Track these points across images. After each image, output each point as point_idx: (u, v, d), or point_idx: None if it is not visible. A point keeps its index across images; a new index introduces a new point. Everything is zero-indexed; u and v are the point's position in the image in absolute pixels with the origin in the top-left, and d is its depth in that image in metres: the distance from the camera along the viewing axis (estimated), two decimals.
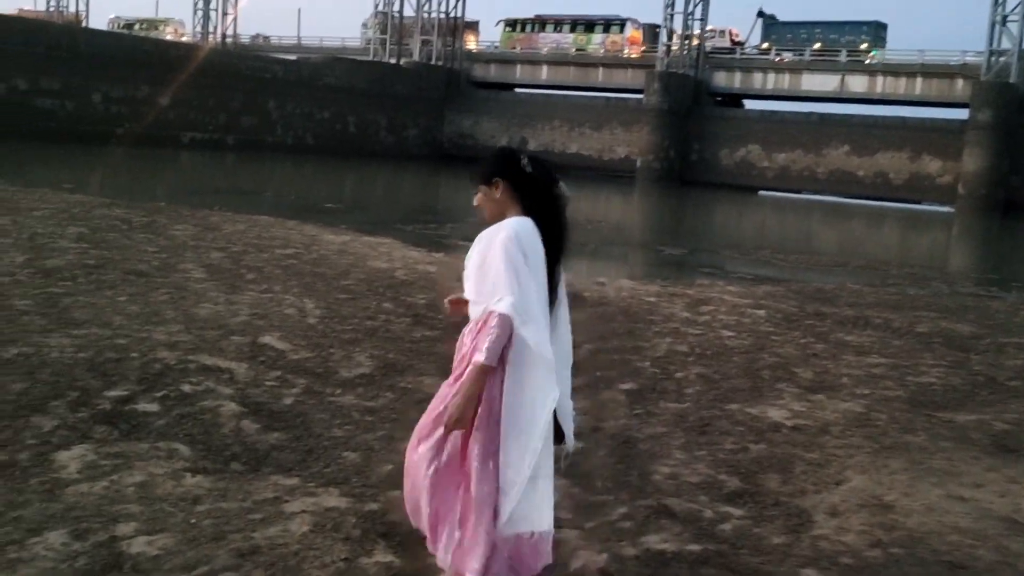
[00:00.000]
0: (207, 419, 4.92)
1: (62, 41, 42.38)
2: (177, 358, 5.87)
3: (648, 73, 56.57)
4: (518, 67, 65.75)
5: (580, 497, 4.34)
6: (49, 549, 3.36)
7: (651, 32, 62.14)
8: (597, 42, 63.87)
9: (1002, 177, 46.73)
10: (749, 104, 61.57)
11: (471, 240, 3.16)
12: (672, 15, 57.53)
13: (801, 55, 56.62)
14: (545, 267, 3.06)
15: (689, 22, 57.94)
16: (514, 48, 66.42)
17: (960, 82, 50.82)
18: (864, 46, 56.05)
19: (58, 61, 40.98)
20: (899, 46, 73.17)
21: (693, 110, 56.03)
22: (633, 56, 61.87)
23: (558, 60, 63.63)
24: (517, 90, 67.19)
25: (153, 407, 5.01)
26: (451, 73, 64.51)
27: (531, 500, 2.99)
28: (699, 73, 57.73)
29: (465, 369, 3.03)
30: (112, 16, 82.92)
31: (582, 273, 12.81)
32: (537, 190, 3.13)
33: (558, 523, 3.98)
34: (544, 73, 64.72)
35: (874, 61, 54.84)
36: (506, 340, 2.92)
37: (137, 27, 77.44)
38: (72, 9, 75.15)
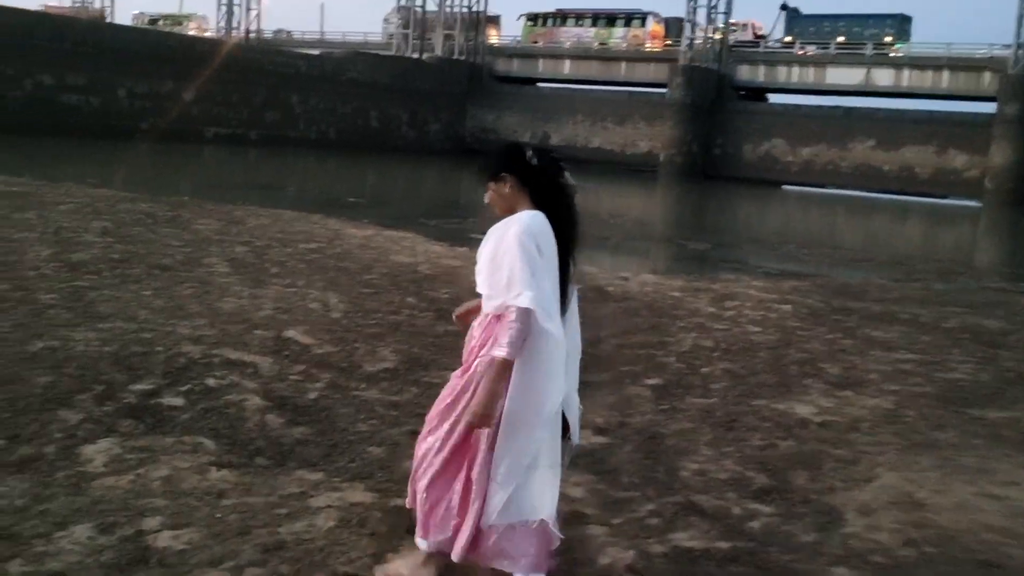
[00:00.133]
0: (232, 413, 4.92)
1: (88, 37, 42.57)
2: (202, 352, 5.88)
3: (671, 67, 56.29)
4: (540, 61, 65.62)
5: (606, 493, 4.31)
6: (75, 543, 3.35)
7: (674, 26, 61.84)
8: (618, 36, 63.67)
9: None
10: (773, 98, 61.18)
11: None
12: (695, 8, 57.24)
13: (825, 48, 56.20)
14: (557, 260, 3.04)
15: (712, 15, 57.64)
16: (536, 42, 66.29)
17: (987, 75, 50.23)
18: (888, 39, 55.53)
19: (84, 57, 41.18)
20: (924, 39, 72.51)
21: (716, 104, 55.70)
22: (656, 50, 61.60)
23: (580, 54, 63.45)
24: (539, 84, 67.04)
25: (178, 401, 5.01)
26: (473, 68, 64.40)
27: (528, 489, 3.01)
28: (722, 67, 57.40)
29: (473, 362, 3.05)
30: (136, 12, 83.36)
31: (605, 267, 12.75)
32: (545, 182, 3.11)
33: (584, 519, 3.97)
34: (567, 67, 64.57)
35: (899, 54, 54.34)
36: (527, 334, 2.90)
37: (161, 23, 77.82)
38: (97, 5, 75.72)
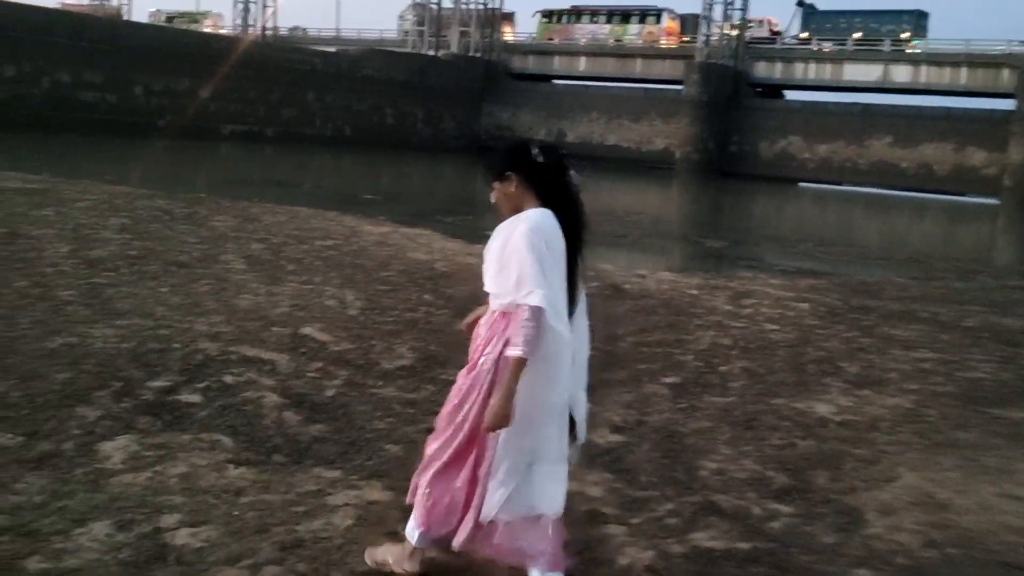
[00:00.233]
0: (249, 410, 4.91)
1: (105, 35, 42.80)
2: (219, 349, 5.88)
3: (687, 64, 56.19)
4: (556, 58, 65.58)
5: (625, 492, 4.28)
6: (94, 540, 3.35)
7: (690, 22, 61.66)
8: (633, 33, 63.55)
9: None
10: (789, 95, 60.93)
11: None
12: (712, 4, 57.04)
13: (842, 45, 55.92)
14: (565, 258, 3.03)
15: (729, 12, 57.42)
16: (551, 39, 66.23)
17: (1006, 72, 49.92)
18: (905, 35, 55.22)
19: (101, 54, 41.41)
20: (940, 35, 72.04)
21: (733, 101, 55.57)
22: (672, 46, 61.44)
23: (596, 51, 63.33)
24: (555, 82, 66.97)
25: (195, 398, 5.01)
26: (489, 65, 64.41)
27: (534, 486, 3.01)
28: (739, 63, 57.23)
29: (478, 359, 3.05)
30: (153, 9, 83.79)
31: (622, 265, 12.71)
32: (550, 179, 3.09)
33: (602, 519, 3.95)
34: (582, 64, 64.50)
35: (916, 51, 54.02)
36: (540, 332, 2.89)
37: (176, 20, 78.11)
38: (114, 3, 76.03)
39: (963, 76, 51.74)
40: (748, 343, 7.72)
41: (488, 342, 3.05)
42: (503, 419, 2.91)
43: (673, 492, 4.32)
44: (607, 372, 6.41)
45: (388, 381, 5.78)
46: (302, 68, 51.99)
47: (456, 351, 6.57)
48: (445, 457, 3.10)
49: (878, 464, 4.86)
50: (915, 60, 53.36)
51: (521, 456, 2.99)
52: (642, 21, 63.49)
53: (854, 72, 54.83)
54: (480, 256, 3.19)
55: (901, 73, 53.58)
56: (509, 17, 70.56)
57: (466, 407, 3.06)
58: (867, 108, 53.82)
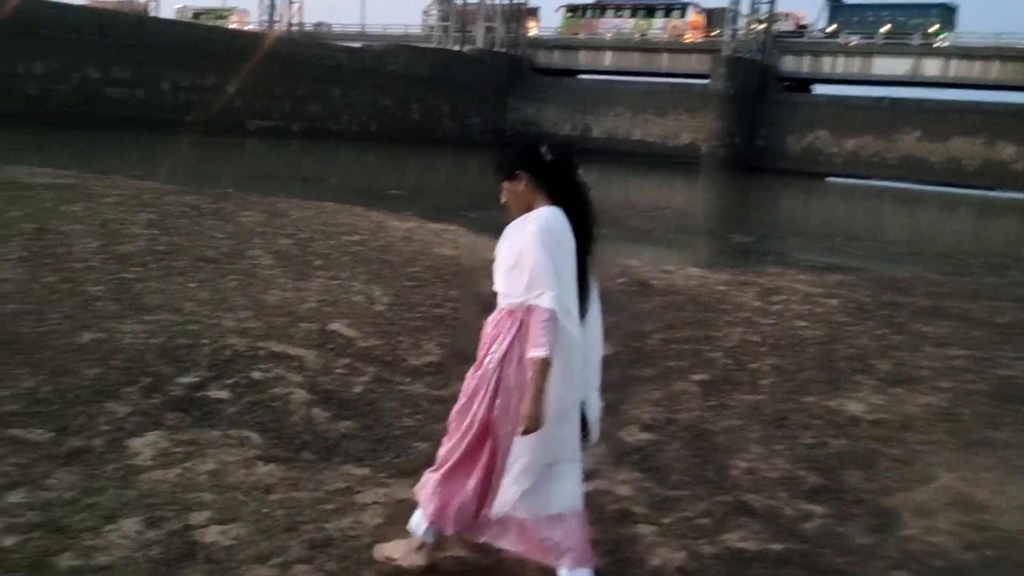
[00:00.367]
0: (278, 407, 4.91)
1: (132, 31, 43.10)
2: (247, 345, 5.88)
3: (714, 58, 55.82)
4: (581, 53, 65.32)
5: (655, 492, 4.24)
6: (124, 537, 3.35)
7: (716, 16, 61.28)
8: (658, 27, 63.30)
9: None
10: (817, 89, 60.43)
11: None
12: None
13: (869, 38, 55.39)
14: (575, 256, 3.03)
15: (756, 5, 57.01)
16: (576, 34, 66.05)
17: None
18: (933, 28, 54.59)
19: (129, 51, 41.70)
20: (968, 29, 71.20)
21: (760, 95, 55.15)
22: (698, 41, 61.10)
23: (621, 46, 63.07)
24: (580, 76, 66.77)
25: (224, 394, 5.01)
26: (514, 60, 64.30)
27: (551, 484, 3.04)
28: (766, 57, 56.80)
29: (485, 358, 3.07)
30: (179, 6, 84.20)
31: (649, 261, 12.64)
32: (559, 177, 3.09)
33: (632, 518, 3.91)
34: (608, 59, 64.23)
35: (944, 44, 53.42)
36: (558, 332, 2.91)
37: (203, 17, 78.53)
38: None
39: (994, 69, 51.09)
40: (777, 340, 7.64)
41: (494, 340, 3.07)
42: (536, 420, 2.92)
43: (704, 491, 4.28)
44: (636, 369, 6.37)
45: (416, 378, 5.77)
46: (327, 64, 52.12)
47: None
48: (456, 457, 3.13)
49: (912, 464, 4.79)
50: (945, 54, 52.76)
51: (534, 455, 3.00)
52: (667, 15, 63.21)
53: (883, 66, 54.29)
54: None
55: (931, 67, 52.99)
56: (534, 12, 70.43)
57: (474, 406, 3.09)
58: (895, 102, 53.26)
